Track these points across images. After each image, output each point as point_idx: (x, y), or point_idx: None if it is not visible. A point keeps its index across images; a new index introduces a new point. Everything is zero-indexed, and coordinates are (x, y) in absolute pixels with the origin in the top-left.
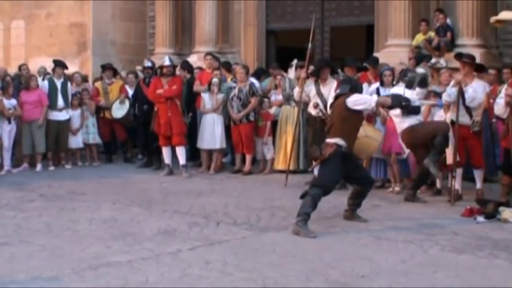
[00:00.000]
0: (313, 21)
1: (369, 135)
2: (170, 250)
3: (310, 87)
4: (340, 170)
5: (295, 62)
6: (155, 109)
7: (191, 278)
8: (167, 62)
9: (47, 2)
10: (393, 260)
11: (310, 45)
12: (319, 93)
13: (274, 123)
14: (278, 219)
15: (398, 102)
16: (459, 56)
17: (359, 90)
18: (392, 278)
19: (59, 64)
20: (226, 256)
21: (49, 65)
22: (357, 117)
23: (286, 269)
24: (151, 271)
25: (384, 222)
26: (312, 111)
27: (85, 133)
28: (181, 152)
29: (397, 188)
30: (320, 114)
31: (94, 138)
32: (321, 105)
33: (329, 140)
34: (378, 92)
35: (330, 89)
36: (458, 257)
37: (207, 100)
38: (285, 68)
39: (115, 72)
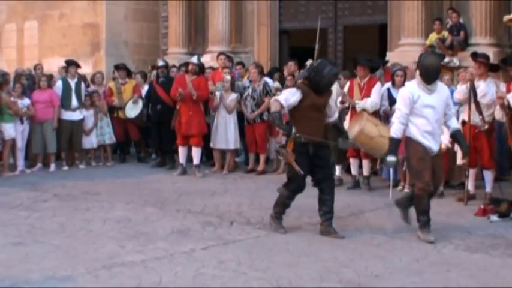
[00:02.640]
0: (318, 22)
1: (383, 135)
2: (184, 250)
3: None
4: (305, 163)
5: (309, 62)
6: (177, 107)
7: (205, 277)
8: (195, 60)
9: (60, 3)
10: (407, 259)
11: (317, 46)
12: None
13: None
14: (291, 218)
15: (273, 122)
16: (475, 56)
17: (319, 76)
18: (406, 278)
19: (72, 64)
20: (240, 256)
21: (59, 66)
22: (295, 108)
23: (300, 268)
24: (165, 271)
25: (397, 221)
26: None
27: (99, 134)
28: (197, 153)
29: (406, 190)
30: None
31: (110, 138)
32: None
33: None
34: (389, 92)
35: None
36: (471, 256)
37: (219, 99)
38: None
39: (128, 72)
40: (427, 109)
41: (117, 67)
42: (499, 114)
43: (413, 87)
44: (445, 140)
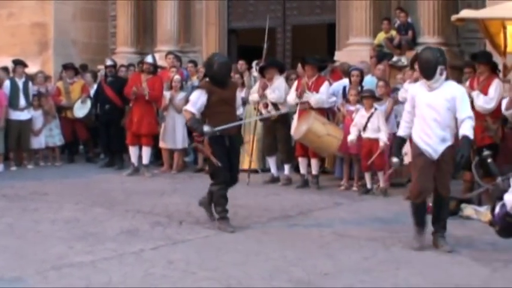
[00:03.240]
0: (267, 21)
1: (330, 133)
2: (133, 250)
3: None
4: (223, 154)
5: (255, 63)
6: (130, 105)
7: (154, 277)
8: (149, 60)
9: (9, 2)
10: (356, 257)
11: (265, 45)
12: (264, 95)
13: None
14: (240, 218)
15: (193, 129)
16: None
17: (212, 70)
18: (355, 276)
19: (19, 63)
20: (189, 255)
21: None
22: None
23: (250, 267)
24: (114, 271)
25: (346, 219)
26: (263, 110)
27: (49, 136)
28: (146, 152)
29: (355, 188)
30: (273, 112)
31: (60, 139)
32: (270, 105)
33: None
34: (344, 90)
35: (274, 88)
36: (421, 254)
37: (168, 99)
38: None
39: (76, 72)
40: (423, 108)
41: (65, 66)
42: None
43: (416, 84)
44: (384, 137)
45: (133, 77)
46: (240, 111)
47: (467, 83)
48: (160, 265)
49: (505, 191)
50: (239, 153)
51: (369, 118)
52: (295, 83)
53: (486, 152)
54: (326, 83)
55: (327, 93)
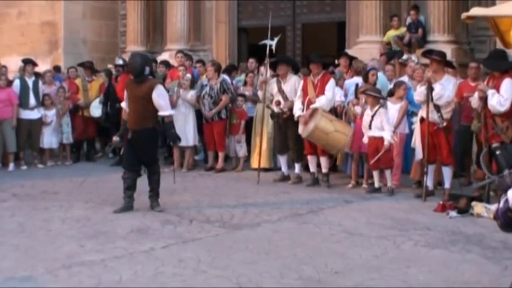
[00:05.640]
0: (269, 20)
1: (338, 129)
2: (143, 248)
3: (273, 86)
4: (126, 145)
5: (267, 61)
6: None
7: (165, 276)
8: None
9: (18, 2)
10: (366, 255)
11: (269, 42)
12: (281, 91)
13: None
14: (251, 216)
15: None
16: (428, 53)
17: (129, 66)
18: (366, 274)
19: (29, 62)
20: (200, 254)
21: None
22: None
23: (260, 266)
24: (124, 270)
25: (356, 218)
26: (275, 108)
27: (59, 132)
28: None
29: (364, 186)
30: (285, 110)
31: (68, 138)
32: (283, 103)
33: None
34: (356, 86)
35: (290, 86)
36: (431, 252)
37: (177, 96)
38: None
39: (93, 71)
40: None
41: (83, 65)
42: (475, 104)
43: None
44: (387, 136)
45: (124, 79)
46: (165, 112)
47: (486, 81)
48: (171, 263)
49: (511, 186)
50: (144, 146)
51: (372, 116)
52: (301, 85)
53: (496, 144)
54: (332, 81)
55: (333, 90)
